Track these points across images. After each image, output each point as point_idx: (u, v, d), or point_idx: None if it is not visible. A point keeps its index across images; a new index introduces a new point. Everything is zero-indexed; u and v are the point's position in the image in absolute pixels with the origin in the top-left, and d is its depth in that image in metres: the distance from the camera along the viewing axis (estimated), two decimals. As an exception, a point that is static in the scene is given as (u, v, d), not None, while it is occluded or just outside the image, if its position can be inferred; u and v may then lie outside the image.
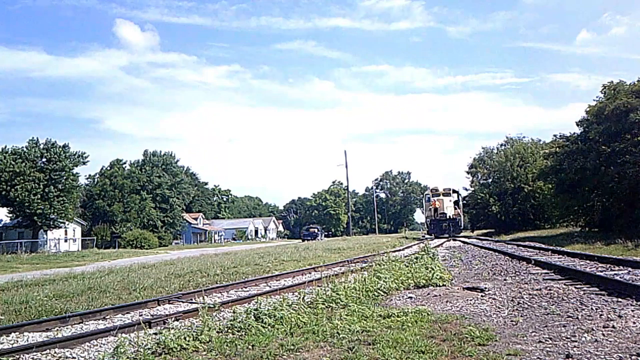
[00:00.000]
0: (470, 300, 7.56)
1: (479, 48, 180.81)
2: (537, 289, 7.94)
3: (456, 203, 44.57)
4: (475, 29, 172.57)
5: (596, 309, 6.23)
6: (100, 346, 5.71)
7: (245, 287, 10.89)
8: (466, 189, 55.97)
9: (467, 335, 5.16)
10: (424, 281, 9.50)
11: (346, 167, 61.53)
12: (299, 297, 7.31)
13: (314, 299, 7.29)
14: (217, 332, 5.78)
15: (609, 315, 5.78)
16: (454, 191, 45.84)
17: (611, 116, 24.35)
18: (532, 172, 44.13)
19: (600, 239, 20.47)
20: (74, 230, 53.13)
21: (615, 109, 24.08)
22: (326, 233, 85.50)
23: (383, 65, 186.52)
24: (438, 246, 23.00)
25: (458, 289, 8.84)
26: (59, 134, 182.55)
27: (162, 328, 6.33)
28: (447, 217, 41.82)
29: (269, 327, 5.94)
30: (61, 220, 45.07)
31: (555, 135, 32.20)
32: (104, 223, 59.30)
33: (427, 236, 43.19)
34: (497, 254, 16.84)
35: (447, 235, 39.20)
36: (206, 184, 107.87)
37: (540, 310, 6.41)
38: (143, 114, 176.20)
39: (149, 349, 5.16)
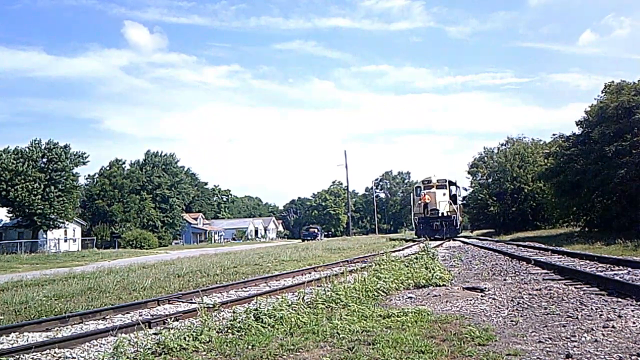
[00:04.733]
0: (470, 300, 7.56)
1: (479, 48, 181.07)
2: (537, 289, 7.93)
3: (452, 198, 35.60)
4: (475, 29, 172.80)
5: (596, 309, 6.22)
6: (100, 346, 5.71)
7: (245, 287, 10.88)
8: (466, 189, 55.58)
9: (467, 335, 5.15)
10: (423, 281, 9.49)
11: (346, 167, 61.72)
12: (299, 297, 7.30)
13: (313, 299, 7.28)
14: (217, 332, 5.78)
15: (609, 315, 5.77)
16: (451, 183, 36.26)
17: (614, 114, 24.29)
18: (532, 172, 44.14)
19: (600, 239, 20.43)
20: (73, 230, 53.18)
21: (619, 106, 24.01)
22: (326, 233, 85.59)
23: (383, 65, 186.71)
24: (438, 246, 23.00)
25: (458, 289, 8.83)
26: (59, 134, 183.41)
27: (161, 328, 6.33)
28: (440, 214, 33.21)
29: (269, 327, 5.93)
30: (61, 220, 45.15)
31: (554, 134, 32.31)
32: (103, 223, 59.37)
33: (414, 237, 35.55)
34: (496, 254, 16.82)
35: (439, 237, 31.12)
36: (206, 184, 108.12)
37: (540, 310, 6.41)
38: (143, 114, 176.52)
39: (148, 349, 5.15)
